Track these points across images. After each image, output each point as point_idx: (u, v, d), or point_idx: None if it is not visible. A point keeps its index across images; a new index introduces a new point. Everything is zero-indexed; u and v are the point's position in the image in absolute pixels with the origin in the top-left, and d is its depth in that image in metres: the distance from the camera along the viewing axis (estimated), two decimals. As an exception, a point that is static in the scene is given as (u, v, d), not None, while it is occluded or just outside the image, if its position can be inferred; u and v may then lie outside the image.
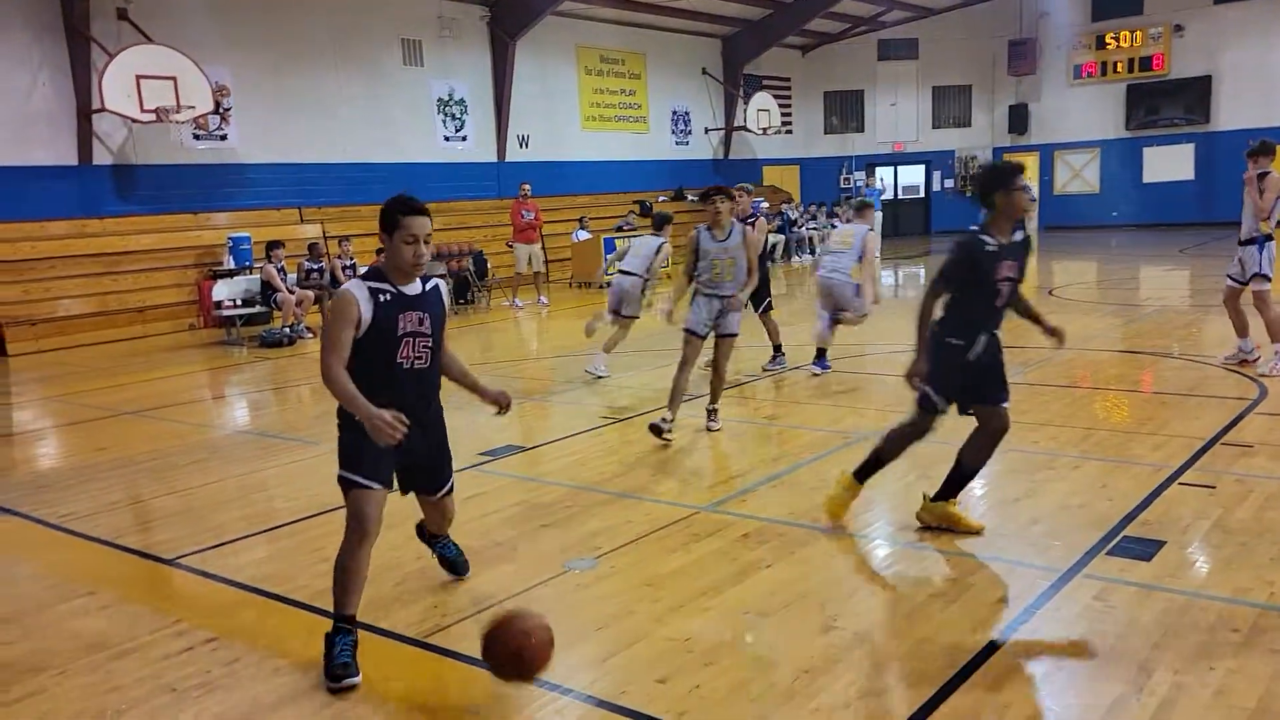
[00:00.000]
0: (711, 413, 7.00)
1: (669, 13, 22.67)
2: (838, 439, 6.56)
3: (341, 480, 3.55)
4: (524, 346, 12.49)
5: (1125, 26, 25.63)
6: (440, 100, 19.33)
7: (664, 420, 6.57)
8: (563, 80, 21.97)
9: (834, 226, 24.25)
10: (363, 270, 2.99)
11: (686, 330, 6.79)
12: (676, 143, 25.13)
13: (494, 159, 20.36)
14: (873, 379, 8.56)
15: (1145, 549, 4.28)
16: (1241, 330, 8.07)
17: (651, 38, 23.87)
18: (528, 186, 16.11)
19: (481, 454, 6.52)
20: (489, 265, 17.39)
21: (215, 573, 4.64)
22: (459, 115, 19.69)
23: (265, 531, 5.23)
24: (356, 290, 3.44)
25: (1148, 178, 25.78)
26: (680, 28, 24.15)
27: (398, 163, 18.34)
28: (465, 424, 7.47)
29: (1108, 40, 25.94)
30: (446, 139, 19.55)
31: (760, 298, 8.96)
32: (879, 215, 22.97)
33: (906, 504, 5.15)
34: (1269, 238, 7.84)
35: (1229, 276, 8.12)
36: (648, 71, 24.14)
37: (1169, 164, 25.09)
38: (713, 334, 6.77)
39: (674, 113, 24.91)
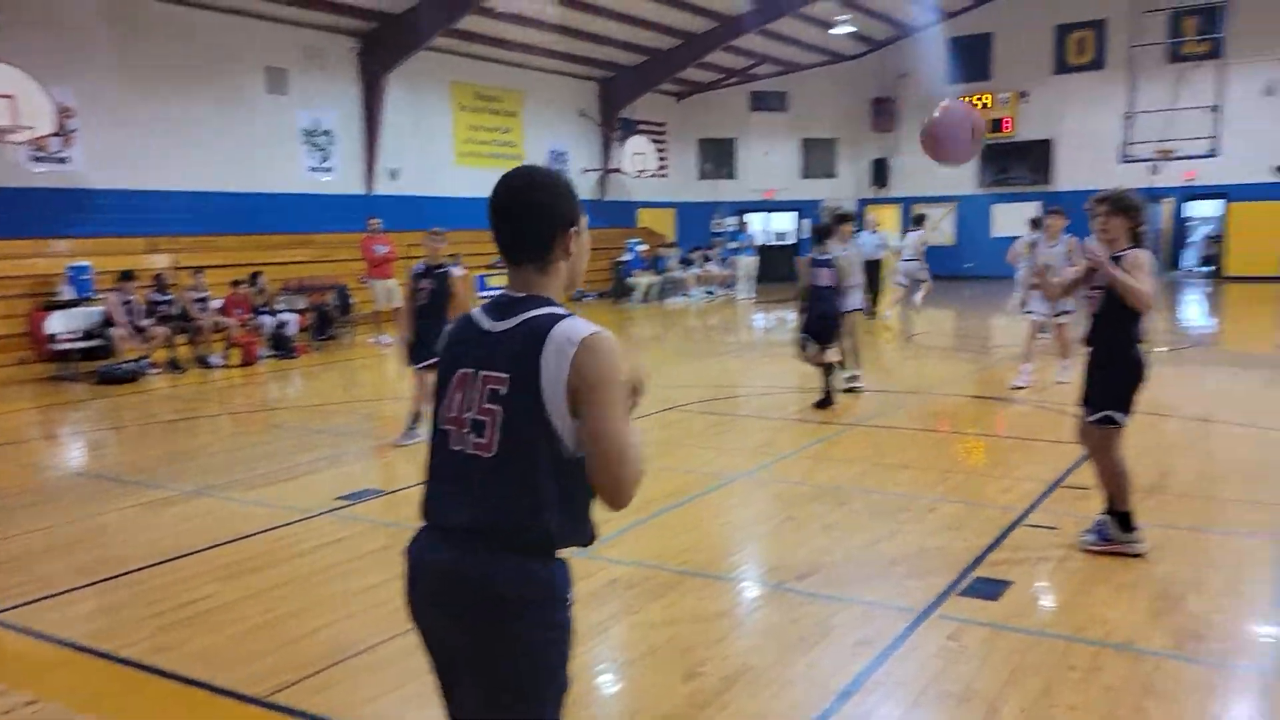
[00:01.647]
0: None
1: (546, 54, 22.78)
2: (710, 480, 6.59)
3: None
4: (387, 385, 12.12)
5: (977, 90, 27.28)
6: (305, 131, 18.78)
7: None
8: (436, 115, 21.70)
9: (708, 269, 25.10)
10: (559, 310, 2.13)
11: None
12: (552, 182, 25.15)
13: (362, 191, 19.87)
14: (743, 420, 8.68)
15: (993, 589, 4.44)
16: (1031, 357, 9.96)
17: (529, 77, 23.92)
18: (377, 221, 15.81)
19: (340, 498, 6.25)
20: (351, 301, 16.88)
21: (39, 630, 4.25)
22: (325, 146, 19.17)
23: (97, 583, 4.84)
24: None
25: (995, 232, 27.42)
26: (558, 69, 24.31)
27: (258, 192, 17.64)
28: (326, 464, 7.18)
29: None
30: (312, 169, 18.97)
31: (421, 351, 7.48)
32: (754, 259, 23.89)
33: (776, 546, 5.21)
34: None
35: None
36: (525, 110, 24.15)
37: (1014, 219, 26.73)
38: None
39: (551, 152, 24.97)
